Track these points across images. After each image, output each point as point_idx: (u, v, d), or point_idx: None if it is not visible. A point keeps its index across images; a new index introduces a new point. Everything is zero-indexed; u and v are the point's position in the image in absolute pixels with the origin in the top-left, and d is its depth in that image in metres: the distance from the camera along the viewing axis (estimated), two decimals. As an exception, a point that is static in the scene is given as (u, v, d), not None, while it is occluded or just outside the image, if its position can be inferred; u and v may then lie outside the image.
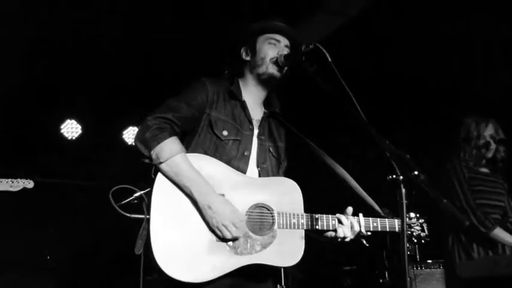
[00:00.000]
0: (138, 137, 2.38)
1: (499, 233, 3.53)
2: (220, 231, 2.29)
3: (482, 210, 3.64)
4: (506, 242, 3.50)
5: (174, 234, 2.27)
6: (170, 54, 5.50)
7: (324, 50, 2.38)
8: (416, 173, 1.95)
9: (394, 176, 1.98)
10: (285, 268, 5.50)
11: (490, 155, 3.79)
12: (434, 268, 5.46)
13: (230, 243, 2.32)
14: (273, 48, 2.66)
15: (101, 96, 6.40)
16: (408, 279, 1.92)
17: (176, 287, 2.28)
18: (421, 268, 5.48)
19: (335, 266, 6.92)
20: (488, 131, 3.80)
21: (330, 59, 2.35)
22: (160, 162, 2.32)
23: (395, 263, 5.94)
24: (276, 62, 2.62)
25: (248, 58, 2.72)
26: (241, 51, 2.74)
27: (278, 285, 5.54)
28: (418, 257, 5.77)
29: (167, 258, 2.22)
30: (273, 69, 2.63)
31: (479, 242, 3.61)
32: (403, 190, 1.97)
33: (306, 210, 2.53)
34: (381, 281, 6.26)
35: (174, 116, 2.44)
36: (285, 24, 2.72)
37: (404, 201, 1.97)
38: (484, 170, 3.87)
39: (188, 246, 2.27)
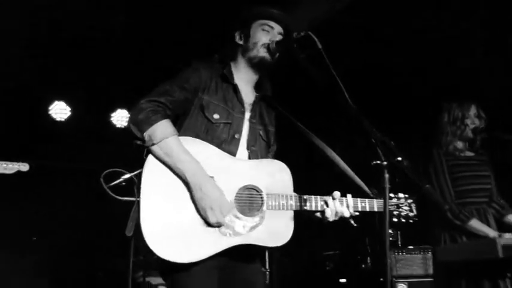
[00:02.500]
0: (131, 119, 2.41)
1: (474, 224, 3.61)
2: (206, 213, 2.33)
3: (464, 200, 3.72)
4: (481, 232, 3.57)
5: (165, 215, 2.30)
6: (160, 38, 5.50)
7: (315, 37, 2.43)
8: (399, 158, 2.03)
9: (378, 162, 2.07)
10: (269, 252, 5.60)
11: (471, 135, 3.86)
12: (415, 254, 5.60)
13: (218, 228, 2.36)
14: (266, 34, 2.70)
15: (91, 78, 6.39)
16: (389, 261, 2.00)
17: (166, 267, 2.35)
18: (403, 253, 5.62)
19: (318, 250, 7.04)
20: (472, 110, 3.89)
21: (320, 46, 2.40)
22: (153, 144, 2.36)
23: (378, 249, 6.08)
24: (267, 48, 2.67)
25: (241, 42, 2.76)
26: (236, 34, 2.79)
27: (262, 268, 5.62)
28: (399, 242, 5.92)
29: (157, 239, 2.25)
30: (263, 53, 2.67)
31: (460, 232, 3.70)
32: (387, 175, 2.05)
33: (295, 192, 2.59)
34: (362, 266, 6.40)
35: (167, 100, 2.47)
36: (280, 12, 2.76)
37: (387, 186, 2.05)
38: (469, 153, 3.92)
39: (178, 227, 2.31)
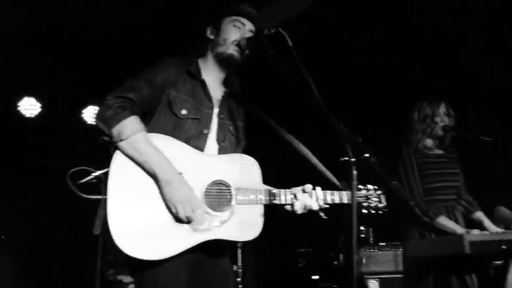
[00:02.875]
0: (99, 116, 2.40)
1: (442, 221, 3.65)
2: (176, 208, 2.32)
3: (432, 198, 3.77)
4: (449, 229, 3.62)
5: (132, 212, 2.29)
6: (131, 33, 5.43)
7: (286, 35, 2.42)
8: (367, 155, 2.05)
9: (346, 158, 2.08)
10: (242, 249, 5.60)
11: (441, 132, 3.91)
12: (386, 250, 5.66)
13: (187, 224, 2.36)
14: (236, 31, 2.70)
15: (62, 74, 6.28)
16: (356, 257, 2.01)
17: (135, 265, 2.32)
18: (374, 250, 5.68)
19: (291, 247, 7.06)
20: (442, 108, 3.93)
21: (290, 43, 2.40)
22: (121, 140, 2.34)
23: (351, 245, 6.12)
24: (237, 45, 2.67)
25: (212, 37, 2.76)
26: (207, 30, 2.79)
27: (235, 266, 5.61)
28: (371, 239, 5.98)
29: (125, 237, 2.24)
30: (233, 50, 2.67)
31: (429, 229, 3.74)
32: (355, 172, 2.07)
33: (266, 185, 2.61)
34: (335, 262, 6.44)
35: (135, 96, 2.46)
36: (252, 9, 2.77)
37: (355, 182, 2.07)
38: (438, 151, 3.97)
39: (147, 223, 2.29)
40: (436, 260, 3.21)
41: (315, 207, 2.61)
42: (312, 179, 2.66)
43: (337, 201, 2.64)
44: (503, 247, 2.96)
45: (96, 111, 2.41)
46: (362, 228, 5.98)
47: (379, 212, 2.75)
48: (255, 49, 2.66)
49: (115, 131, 2.35)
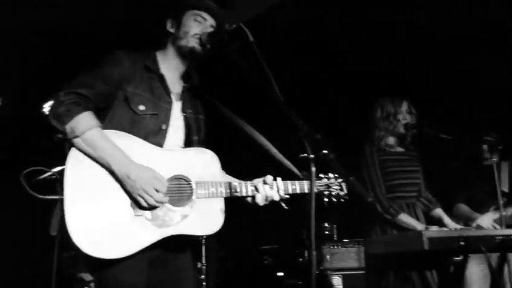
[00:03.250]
0: (51, 113, 2.32)
1: (403, 218, 3.71)
2: (142, 197, 2.29)
3: (394, 195, 3.81)
4: (410, 226, 3.68)
5: (91, 210, 2.24)
6: (93, 26, 5.31)
7: (247, 30, 2.41)
8: (325, 151, 2.05)
9: (305, 155, 2.08)
10: (206, 246, 5.56)
11: (402, 130, 3.94)
12: (350, 247, 5.70)
13: (149, 216, 2.33)
14: (197, 25, 2.67)
15: (22, 68, 6.13)
16: (314, 253, 2.01)
17: (95, 264, 2.28)
18: (338, 247, 5.71)
19: (256, 244, 7.04)
20: (404, 106, 3.97)
21: (251, 39, 2.39)
22: (75, 136, 2.29)
23: (315, 241, 6.14)
24: (198, 39, 2.64)
25: (172, 30, 2.71)
26: (167, 22, 2.74)
27: (198, 263, 5.57)
28: (335, 236, 6.01)
29: (84, 236, 2.20)
30: (194, 43, 2.64)
31: (390, 226, 3.78)
32: (313, 168, 2.07)
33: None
34: (300, 259, 6.45)
35: (88, 92, 2.40)
36: (214, 4, 2.74)
37: (314, 179, 2.06)
38: (399, 149, 4.02)
39: (106, 221, 2.25)
40: (396, 257, 3.23)
41: (276, 198, 2.62)
42: (273, 170, 2.67)
43: (298, 191, 2.66)
44: (462, 243, 2.99)
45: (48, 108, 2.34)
46: (326, 225, 6.01)
47: (341, 200, 2.77)
48: (216, 44, 2.64)
49: (68, 127, 2.29)
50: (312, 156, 2.07)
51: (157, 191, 2.32)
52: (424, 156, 4.10)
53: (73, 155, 2.32)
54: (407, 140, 3.98)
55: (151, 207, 2.33)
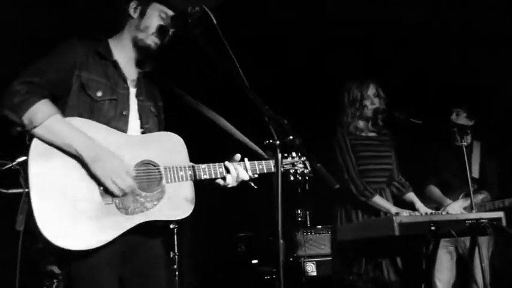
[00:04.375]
0: (5, 104, 2.21)
1: (378, 200, 3.71)
2: (113, 182, 2.23)
3: (364, 180, 3.78)
4: (384, 208, 3.68)
5: (58, 201, 2.16)
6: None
7: (210, 13, 2.34)
8: (291, 137, 1.99)
9: (271, 141, 2.03)
10: (178, 234, 5.51)
11: (370, 114, 3.91)
12: (323, 233, 5.70)
13: (120, 204, 2.26)
14: (160, 22, 2.58)
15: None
16: (281, 241, 1.96)
17: (65, 256, 2.20)
18: (311, 233, 5.71)
19: (230, 232, 7.01)
20: (371, 90, 3.93)
21: (215, 22, 2.32)
22: (35, 127, 2.20)
23: (289, 228, 6.13)
24: (157, 37, 2.56)
25: (134, 16, 2.60)
26: (131, 4, 2.61)
27: (171, 252, 5.51)
28: (308, 223, 6.01)
29: (52, 227, 2.12)
30: (151, 42, 2.56)
31: (362, 209, 3.77)
32: (279, 154, 2.02)
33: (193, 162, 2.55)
34: (270, 238, 6.43)
35: (42, 80, 2.30)
36: (183, 5, 2.62)
37: (280, 164, 2.01)
38: (370, 134, 3.98)
39: (75, 211, 2.18)
40: (366, 243, 3.21)
41: (246, 177, 2.60)
42: (237, 152, 2.65)
43: (265, 170, 2.66)
44: (432, 228, 2.99)
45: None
46: (299, 211, 6.00)
47: (306, 177, 2.77)
48: (180, 28, 2.56)
49: (26, 119, 2.20)
50: (277, 142, 2.01)
51: (122, 178, 2.26)
52: (396, 139, 4.08)
53: (35, 145, 2.22)
54: (380, 124, 3.94)
55: (123, 193, 2.26)
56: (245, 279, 6.77)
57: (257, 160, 2.66)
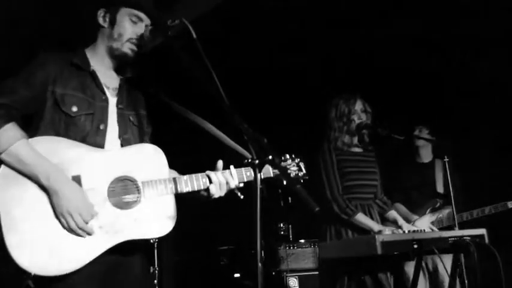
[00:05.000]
0: None
1: (359, 218, 3.66)
2: (65, 220, 2.14)
3: (350, 196, 3.75)
4: (366, 226, 3.64)
5: (32, 228, 2.10)
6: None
7: (190, 26, 2.27)
8: (270, 157, 1.94)
9: (250, 160, 1.97)
10: (157, 249, 5.41)
11: (363, 133, 3.88)
12: (305, 247, 5.63)
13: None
14: (132, 27, 2.50)
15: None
16: (260, 262, 1.90)
17: (39, 282, 2.10)
18: (294, 248, 5.63)
19: (212, 245, 6.93)
20: (358, 105, 3.90)
21: (194, 36, 2.26)
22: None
23: (273, 242, 6.06)
24: (133, 43, 2.49)
25: (105, 25, 2.53)
26: (99, 12, 2.55)
27: (151, 267, 5.41)
28: (291, 237, 5.94)
29: (27, 255, 2.05)
30: (127, 49, 2.49)
31: (350, 227, 3.72)
32: (259, 174, 1.95)
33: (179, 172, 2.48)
34: (252, 251, 6.36)
35: (10, 100, 2.23)
36: (151, 4, 2.58)
37: (259, 186, 1.95)
38: (356, 149, 3.95)
39: (45, 236, 2.11)
40: (349, 261, 3.16)
41: (232, 185, 2.50)
42: (224, 159, 2.55)
43: (253, 177, 2.53)
44: (415, 246, 2.95)
45: None
46: (281, 225, 5.94)
47: (301, 180, 2.67)
48: (159, 39, 2.51)
49: None
50: (257, 161, 1.95)
51: (81, 216, 2.16)
52: (381, 155, 4.06)
53: (2, 171, 2.16)
54: (365, 140, 3.91)
55: (71, 231, 2.16)
56: (227, 293, 6.70)
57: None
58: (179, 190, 2.39)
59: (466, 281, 3.50)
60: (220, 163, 2.51)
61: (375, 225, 3.63)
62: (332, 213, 3.69)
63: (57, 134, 2.29)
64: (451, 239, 3.11)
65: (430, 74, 5.42)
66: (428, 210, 4.50)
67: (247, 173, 2.53)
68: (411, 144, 4.74)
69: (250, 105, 4.27)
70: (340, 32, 5.21)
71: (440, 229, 4.39)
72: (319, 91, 4.84)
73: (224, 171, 2.50)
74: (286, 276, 5.50)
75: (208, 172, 2.47)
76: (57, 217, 2.15)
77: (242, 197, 2.57)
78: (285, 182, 2.51)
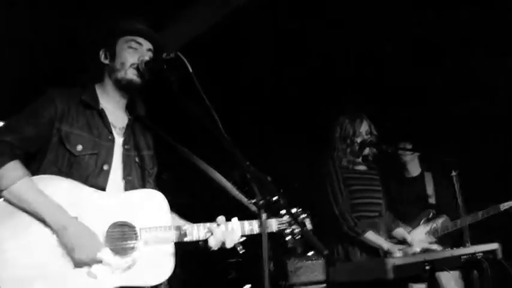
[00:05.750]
0: None
1: (369, 236, 3.60)
2: (73, 255, 2.11)
3: (356, 214, 3.68)
4: (376, 245, 3.58)
5: (26, 267, 2.06)
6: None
7: (185, 60, 2.24)
8: (275, 198, 1.87)
9: (254, 200, 1.91)
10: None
11: (366, 152, 3.82)
12: (315, 260, 5.56)
13: (93, 266, 2.14)
14: (133, 53, 2.48)
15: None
16: None
17: None
18: (303, 261, 5.57)
19: (219, 259, 6.88)
20: (364, 127, 3.83)
21: (190, 70, 2.22)
22: (1, 190, 2.12)
23: (280, 254, 6.01)
24: (137, 69, 2.45)
25: (107, 62, 2.52)
26: (100, 53, 2.54)
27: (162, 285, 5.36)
28: (299, 250, 5.86)
29: None
30: (132, 75, 2.46)
31: (359, 246, 3.66)
32: (264, 214, 1.89)
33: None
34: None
35: (14, 139, 2.22)
36: (146, 27, 2.55)
37: (266, 226, 1.89)
38: (361, 167, 3.89)
39: (46, 276, 2.07)
40: (360, 285, 3.10)
41: (229, 244, 2.44)
42: (228, 208, 2.45)
43: (255, 231, 2.49)
44: (427, 267, 2.88)
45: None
46: (288, 240, 5.86)
47: (304, 236, 2.58)
48: (154, 74, 2.45)
49: None
50: (261, 202, 1.89)
51: (92, 249, 2.14)
52: (385, 172, 4.01)
53: (2, 208, 2.13)
54: (369, 158, 3.85)
55: (81, 264, 2.14)
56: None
57: (248, 218, 2.49)
58: (178, 239, 2.35)
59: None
60: (221, 218, 2.44)
61: (384, 243, 3.57)
62: (340, 232, 3.62)
63: (60, 172, 2.26)
64: (464, 256, 3.04)
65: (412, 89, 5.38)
66: (422, 221, 4.47)
67: (249, 227, 2.48)
68: (398, 160, 4.76)
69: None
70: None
71: (442, 239, 4.37)
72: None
73: (227, 223, 2.44)
74: (295, 290, 5.44)
75: (209, 224, 2.42)
76: (62, 254, 2.11)
77: (242, 251, 2.53)
78: (287, 238, 2.48)
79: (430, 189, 4.71)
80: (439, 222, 4.44)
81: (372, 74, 5.41)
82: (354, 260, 3.61)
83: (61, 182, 2.23)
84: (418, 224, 4.45)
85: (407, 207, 4.61)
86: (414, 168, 4.85)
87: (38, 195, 2.14)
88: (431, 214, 4.49)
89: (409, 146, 4.65)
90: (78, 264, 2.12)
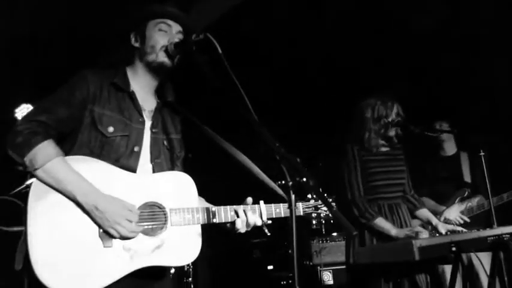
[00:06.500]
0: (8, 144, 2.15)
1: (379, 222, 3.58)
2: (115, 230, 2.15)
3: (373, 197, 3.70)
4: (384, 230, 3.55)
5: (56, 244, 2.09)
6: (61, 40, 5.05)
7: (215, 41, 2.22)
8: (305, 179, 1.87)
9: (283, 182, 1.91)
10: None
11: (392, 132, 3.80)
12: (338, 241, 5.60)
13: (120, 247, 2.17)
14: (163, 36, 2.49)
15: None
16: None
17: None
18: (327, 241, 5.61)
19: (244, 238, 6.95)
20: (395, 109, 3.80)
21: (220, 51, 2.21)
22: (35, 169, 2.13)
23: (304, 235, 6.04)
24: (166, 51, 2.46)
25: (138, 45, 2.54)
26: (131, 36, 2.56)
27: (185, 265, 5.45)
28: (323, 230, 5.90)
29: (50, 273, 2.04)
30: (163, 58, 2.46)
31: (367, 230, 3.66)
32: (293, 196, 1.90)
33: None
34: (289, 251, 6.35)
35: (48, 118, 2.23)
36: (175, 9, 2.55)
37: (294, 207, 1.90)
38: (383, 149, 3.86)
39: (72, 255, 2.10)
40: (385, 266, 3.11)
41: (259, 223, 2.46)
42: (255, 190, 2.49)
43: (282, 214, 2.50)
44: (453, 249, 2.88)
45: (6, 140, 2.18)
46: (314, 222, 5.89)
47: (331, 220, 2.63)
48: (184, 56, 2.48)
49: (27, 160, 2.13)
50: (290, 183, 1.89)
51: (129, 221, 2.18)
52: (411, 153, 3.99)
53: (35, 187, 2.15)
54: (393, 139, 3.82)
55: (124, 238, 2.18)
56: (262, 285, 6.72)
57: (275, 201, 2.49)
58: (206, 221, 2.37)
59: (506, 279, 3.40)
60: (249, 199, 2.47)
61: (392, 229, 3.53)
62: (351, 217, 3.63)
63: (91, 153, 2.29)
64: (490, 238, 3.04)
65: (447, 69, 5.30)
66: (457, 200, 4.52)
67: (276, 210, 2.49)
68: (434, 139, 4.78)
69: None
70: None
71: (473, 220, 4.39)
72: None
73: (253, 206, 2.46)
74: (321, 271, 5.49)
75: (236, 207, 2.44)
76: (92, 234, 2.14)
77: (269, 234, 2.56)
78: (314, 222, 2.50)
79: (465, 169, 4.74)
80: (475, 201, 4.49)
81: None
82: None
83: (93, 162, 2.25)
84: (453, 203, 4.52)
85: (443, 186, 4.67)
86: (450, 147, 4.88)
87: (70, 175, 2.16)
88: (466, 193, 4.54)
89: (445, 125, 4.66)
90: (108, 243, 2.16)
